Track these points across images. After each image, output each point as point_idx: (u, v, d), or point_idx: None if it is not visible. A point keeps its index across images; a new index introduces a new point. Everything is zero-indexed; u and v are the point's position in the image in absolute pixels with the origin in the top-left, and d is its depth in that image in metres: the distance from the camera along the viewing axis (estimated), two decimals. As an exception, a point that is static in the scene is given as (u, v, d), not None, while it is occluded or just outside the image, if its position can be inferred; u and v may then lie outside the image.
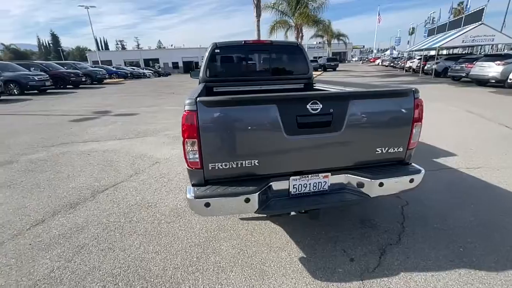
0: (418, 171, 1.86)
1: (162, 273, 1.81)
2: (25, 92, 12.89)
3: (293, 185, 1.79)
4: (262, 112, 1.60)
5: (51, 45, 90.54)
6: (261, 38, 15.56)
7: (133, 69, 31.84)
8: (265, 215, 2.34)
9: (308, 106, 1.62)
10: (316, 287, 1.68)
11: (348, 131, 1.72)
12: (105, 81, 20.44)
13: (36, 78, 13.00)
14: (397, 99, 1.81)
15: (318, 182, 1.83)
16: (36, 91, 13.49)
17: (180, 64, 48.86)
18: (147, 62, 50.06)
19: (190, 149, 1.56)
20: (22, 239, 2.19)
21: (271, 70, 3.58)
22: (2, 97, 11.42)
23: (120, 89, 16.58)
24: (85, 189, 3.05)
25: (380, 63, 43.76)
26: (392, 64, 34.33)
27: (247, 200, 1.60)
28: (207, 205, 1.57)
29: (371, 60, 59.01)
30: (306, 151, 1.73)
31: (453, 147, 4.14)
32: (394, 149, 1.86)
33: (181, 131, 1.54)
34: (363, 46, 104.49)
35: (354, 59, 77.55)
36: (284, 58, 3.67)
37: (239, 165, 1.63)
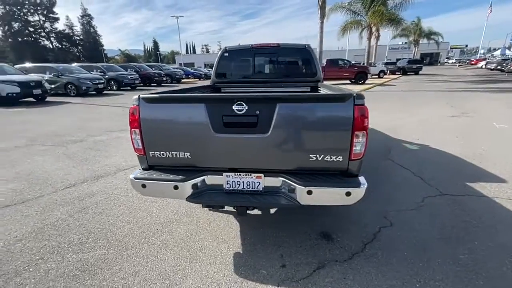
0: (358, 185, 1.68)
1: (121, 238, 2.19)
2: (121, 88, 16.10)
3: (227, 181, 1.89)
4: (193, 110, 1.77)
5: (152, 49, 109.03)
6: (329, 40, 15.05)
7: (209, 70, 35.35)
8: (236, 211, 2.48)
9: (233, 107, 1.71)
10: (230, 280, 1.75)
11: (276, 134, 1.71)
12: (182, 80, 23.50)
13: (129, 77, 16.12)
14: (333, 104, 1.68)
15: (251, 182, 1.87)
16: (128, 88, 16.66)
17: None
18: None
19: (134, 137, 1.87)
20: (55, 195, 2.95)
21: (277, 73, 3.64)
22: (105, 92, 14.63)
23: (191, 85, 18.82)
24: (113, 166, 3.79)
25: (483, 66, 35.85)
26: (499, 67, 27.73)
27: (176, 187, 1.80)
28: (144, 186, 1.84)
29: (472, 62, 48.88)
30: (235, 149, 1.80)
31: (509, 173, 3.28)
32: (331, 158, 1.73)
33: (128, 122, 1.87)
34: (466, 46, 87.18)
35: (450, 61, 65.72)
36: (291, 61, 3.66)
37: (173, 156, 1.85)
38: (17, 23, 54.78)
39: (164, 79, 19.97)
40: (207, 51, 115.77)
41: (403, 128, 5.70)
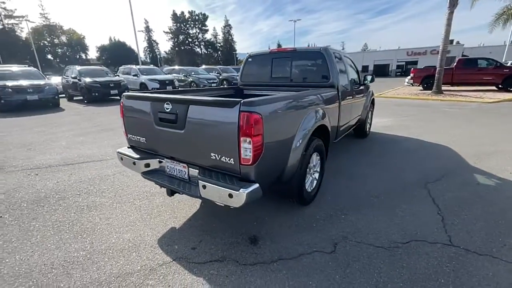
0: (238, 189, 1.69)
1: (105, 202, 3.03)
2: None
3: (166, 166, 2.31)
4: (145, 106, 2.28)
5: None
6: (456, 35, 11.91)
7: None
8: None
9: (165, 105, 2.09)
10: (150, 238, 2.18)
11: (188, 131, 1.97)
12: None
13: (236, 77, 18.63)
14: (224, 109, 1.75)
15: (180, 170, 2.20)
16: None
17: (371, 68, 46.65)
18: (339, 66, 52.35)
19: (122, 123, 2.59)
20: (84, 164, 4.24)
21: (292, 78, 3.59)
22: None
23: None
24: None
25: None
26: None
27: (134, 163, 2.39)
28: (121, 159, 2.55)
29: None
30: (166, 141, 2.19)
31: None
32: (226, 159, 1.82)
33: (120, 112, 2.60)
34: None
35: None
36: (306, 66, 3.50)
37: (138, 140, 2.45)
38: (182, 36, 73.07)
39: (214, 85, 21.64)
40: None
41: None
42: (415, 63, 41.51)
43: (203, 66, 20.83)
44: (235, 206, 1.76)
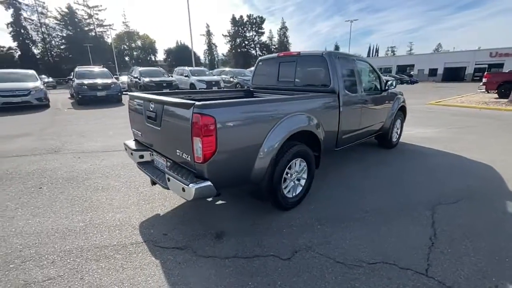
0: (188, 184, 1.84)
1: (116, 186, 3.47)
2: None
3: (155, 159, 2.59)
4: (140, 105, 2.60)
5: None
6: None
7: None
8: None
9: (150, 105, 2.37)
10: (130, 225, 2.48)
11: (163, 128, 2.21)
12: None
13: None
14: (183, 110, 1.90)
15: (161, 163, 2.46)
16: None
17: (440, 71, 41.08)
18: (403, 68, 47.59)
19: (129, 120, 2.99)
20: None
21: (295, 82, 3.54)
22: None
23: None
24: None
25: None
26: None
27: (131, 154, 2.76)
28: (125, 149, 2.94)
29: None
30: (152, 135, 2.46)
31: None
32: (185, 156, 1.98)
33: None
34: None
35: None
36: (309, 70, 3.41)
37: (137, 134, 2.80)
38: (239, 39, 76.28)
39: None
40: (393, 53, 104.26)
41: None
42: (501, 65, 35.06)
43: (250, 69, 21.58)
44: (188, 199, 1.92)
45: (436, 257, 2.03)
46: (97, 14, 54.83)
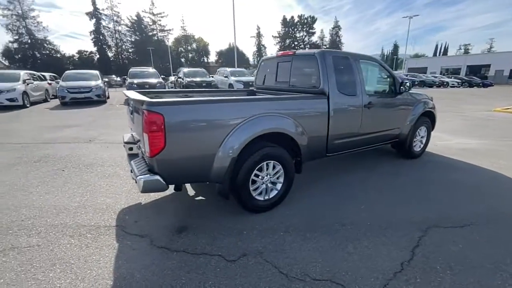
0: (137, 176, 1.96)
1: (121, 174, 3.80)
2: None
3: (139, 151, 2.81)
4: (130, 102, 2.84)
5: (390, 53, 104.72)
6: None
7: (435, 77, 28.75)
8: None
9: (130, 102, 2.58)
10: (112, 210, 2.74)
11: (135, 123, 2.39)
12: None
13: None
14: (140, 106, 2.01)
15: (141, 155, 2.65)
16: None
17: (505, 73, 34.24)
18: (475, 70, 41.08)
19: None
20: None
21: (290, 82, 3.40)
22: None
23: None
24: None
25: None
26: None
27: (124, 146, 3.03)
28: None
29: None
30: (136, 128, 2.66)
31: None
32: (143, 150, 2.11)
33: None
34: None
35: None
36: (302, 70, 3.21)
37: (131, 127, 3.07)
38: (289, 39, 75.89)
39: None
40: (466, 52, 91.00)
41: None
42: None
43: None
44: (140, 191, 2.05)
45: (396, 286, 1.76)
46: (160, 20, 60.80)
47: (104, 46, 55.10)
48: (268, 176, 2.60)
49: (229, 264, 1.96)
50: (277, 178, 2.68)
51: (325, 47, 79.27)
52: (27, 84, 11.12)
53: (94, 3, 52.51)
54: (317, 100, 2.85)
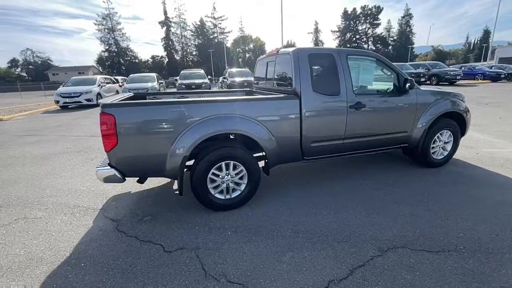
0: (96, 168, 2.27)
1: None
2: (440, 83, 17.64)
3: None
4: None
5: (478, 42, 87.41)
6: None
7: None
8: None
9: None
10: (102, 195, 3.19)
11: None
12: (457, 82, 18.36)
13: (451, 73, 17.58)
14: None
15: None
16: (447, 83, 17.73)
17: None
18: None
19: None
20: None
21: (274, 81, 3.29)
22: (423, 86, 16.64)
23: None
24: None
25: None
26: None
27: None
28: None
29: None
30: None
31: None
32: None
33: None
34: None
35: None
36: (282, 70, 3.06)
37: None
38: (349, 33, 71.16)
39: (423, 80, 17.33)
40: None
41: None
42: None
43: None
44: (100, 181, 2.39)
45: (308, 301, 1.64)
46: (220, 23, 64.66)
47: (172, 51, 61.64)
48: (229, 176, 2.65)
49: (164, 254, 2.12)
50: (240, 178, 2.71)
51: (391, 39, 71.55)
52: (101, 87, 13.38)
53: (165, 13, 59.19)
54: (286, 101, 2.74)
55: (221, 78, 21.60)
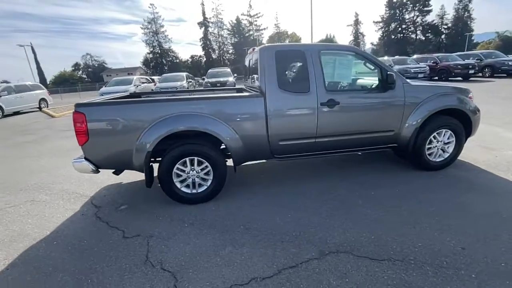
0: (72, 159, 2.59)
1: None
2: (494, 75, 15.52)
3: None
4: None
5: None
6: None
7: None
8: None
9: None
10: (95, 183, 3.57)
11: None
12: (517, 74, 15.77)
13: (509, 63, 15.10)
14: None
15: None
16: (505, 75, 15.38)
17: None
18: None
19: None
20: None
21: (251, 80, 3.29)
22: (472, 78, 15.12)
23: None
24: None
25: None
26: None
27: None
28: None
29: None
30: None
31: None
32: None
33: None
34: None
35: None
36: (255, 67, 3.02)
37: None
38: (394, 23, 65.61)
39: (472, 72, 15.27)
40: None
41: None
42: None
43: (415, 56, 18.76)
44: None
45: (222, 295, 1.69)
46: (256, 21, 64.97)
47: (209, 50, 63.92)
48: (195, 171, 2.78)
49: (122, 239, 2.35)
50: (207, 174, 2.82)
51: (445, 27, 64.09)
52: (137, 86, 14.60)
53: (204, 14, 61.55)
54: (250, 100, 2.76)
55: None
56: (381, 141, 3.16)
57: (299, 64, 2.84)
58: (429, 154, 3.26)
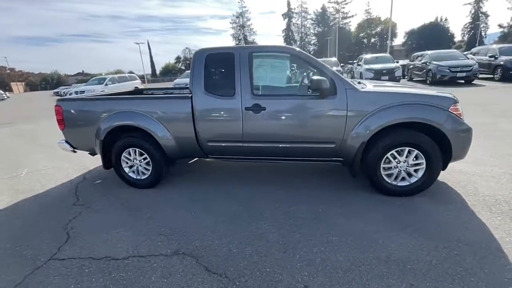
0: (58, 141, 3.43)
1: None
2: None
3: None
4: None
5: None
6: None
7: None
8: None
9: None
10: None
11: None
12: None
13: None
14: None
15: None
16: None
17: None
18: None
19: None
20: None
21: None
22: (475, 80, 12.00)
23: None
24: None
25: None
26: None
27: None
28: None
29: None
30: None
31: None
32: None
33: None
34: None
35: None
36: None
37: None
38: (541, -4, 48.30)
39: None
40: None
41: None
42: None
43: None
44: (64, 150, 3.58)
45: (75, 263, 2.08)
46: (343, 8, 60.23)
47: (291, 41, 63.58)
48: (137, 161, 3.23)
49: (71, 206, 3.04)
50: (148, 164, 3.23)
51: None
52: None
53: (288, 4, 61.30)
54: (180, 101, 2.95)
55: (349, 66, 20.08)
56: (322, 153, 2.81)
57: (226, 67, 2.82)
58: (388, 175, 2.69)
